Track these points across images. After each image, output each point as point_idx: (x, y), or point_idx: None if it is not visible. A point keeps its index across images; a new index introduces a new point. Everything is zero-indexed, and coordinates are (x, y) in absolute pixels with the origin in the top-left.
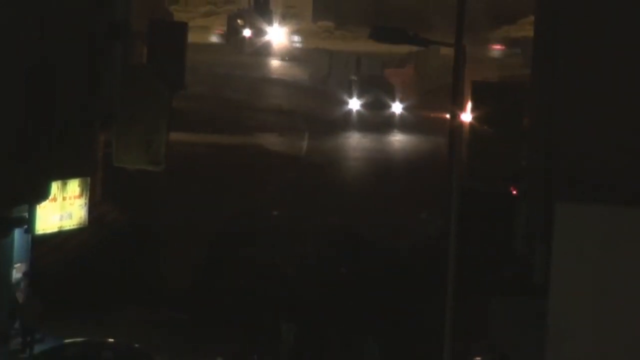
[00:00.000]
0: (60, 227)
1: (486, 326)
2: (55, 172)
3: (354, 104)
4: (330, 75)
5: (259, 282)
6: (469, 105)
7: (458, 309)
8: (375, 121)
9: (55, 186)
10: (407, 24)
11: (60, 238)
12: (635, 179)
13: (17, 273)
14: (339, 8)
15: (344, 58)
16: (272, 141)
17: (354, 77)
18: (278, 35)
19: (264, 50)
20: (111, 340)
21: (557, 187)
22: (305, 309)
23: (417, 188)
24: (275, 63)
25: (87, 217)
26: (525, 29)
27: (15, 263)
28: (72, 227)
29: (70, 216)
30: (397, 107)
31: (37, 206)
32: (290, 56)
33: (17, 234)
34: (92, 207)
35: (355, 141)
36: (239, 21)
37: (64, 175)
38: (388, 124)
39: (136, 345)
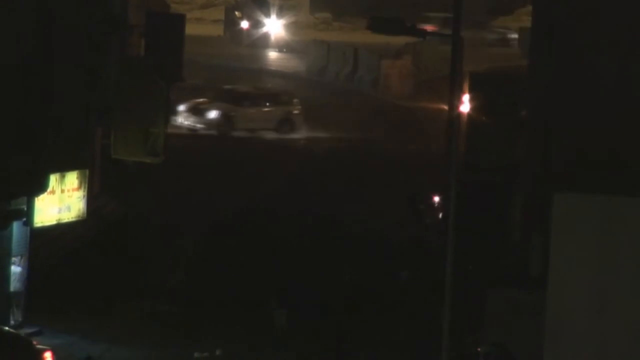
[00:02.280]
0: (59, 219)
1: (485, 318)
2: (53, 164)
3: None
4: (327, 66)
5: (253, 271)
6: (467, 96)
7: (456, 300)
8: None
9: (53, 179)
10: (404, 15)
11: (59, 231)
12: (634, 168)
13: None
14: None
15: (342, 49)
16: (269, 133)
17: None
18: (276, 27)
19: (262, 42)
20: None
21: (555, 178)
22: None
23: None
24: (273, 55)
25: (85, 209)
26: (521, 20)
27: (14, 256)
28: (70, 219)
29: (68, 209)
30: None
31: (36, 199)
32: (288, 48)
33: (16, 226)
34: (91, 200)
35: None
36: (236, 13)
37: (63, 168)
38: None
39: (23, 334)
